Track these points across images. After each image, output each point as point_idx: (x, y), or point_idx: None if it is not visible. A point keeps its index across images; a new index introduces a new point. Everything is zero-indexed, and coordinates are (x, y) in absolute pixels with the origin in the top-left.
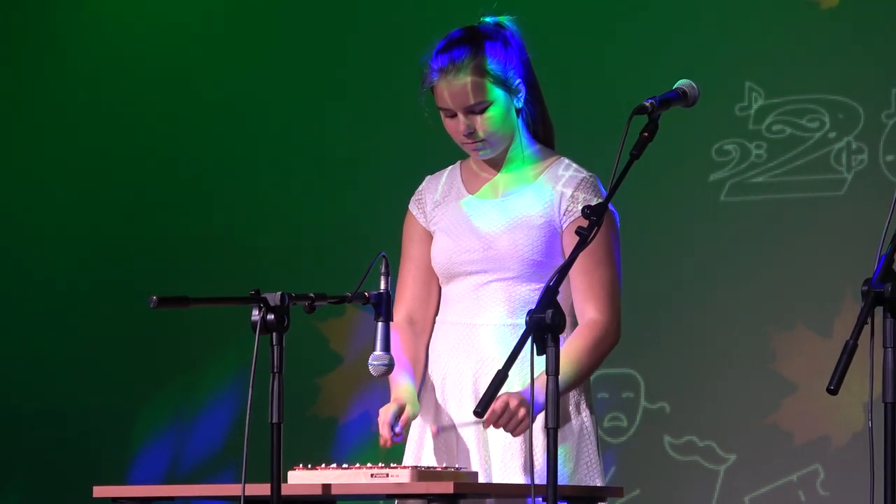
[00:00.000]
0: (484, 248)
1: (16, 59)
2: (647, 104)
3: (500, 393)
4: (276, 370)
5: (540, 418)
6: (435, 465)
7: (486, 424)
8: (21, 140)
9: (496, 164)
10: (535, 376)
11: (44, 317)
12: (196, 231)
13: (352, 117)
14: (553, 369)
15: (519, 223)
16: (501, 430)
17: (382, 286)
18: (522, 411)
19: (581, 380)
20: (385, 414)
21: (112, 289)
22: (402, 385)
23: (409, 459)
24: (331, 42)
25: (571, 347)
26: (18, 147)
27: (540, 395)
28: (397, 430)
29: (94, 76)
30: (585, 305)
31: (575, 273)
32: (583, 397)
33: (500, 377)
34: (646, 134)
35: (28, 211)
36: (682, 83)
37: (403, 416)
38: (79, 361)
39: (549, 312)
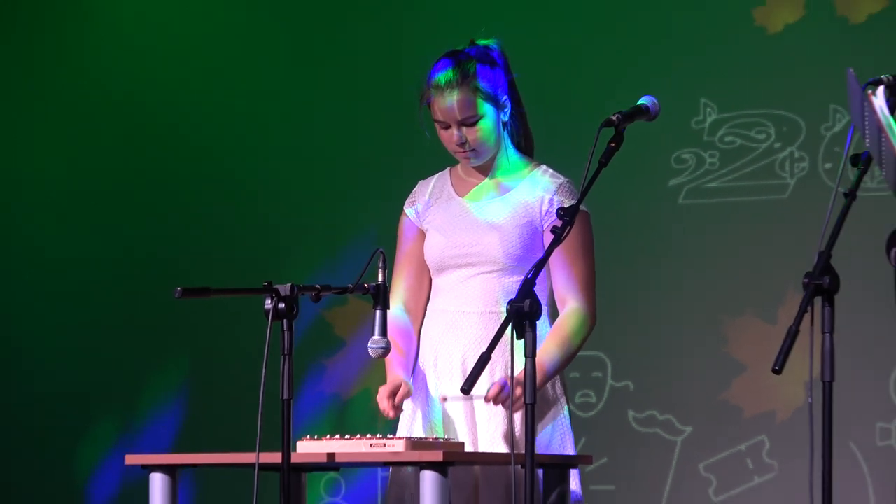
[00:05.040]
0: (473, 244)
1: (25, 52)
2: (614, 118)
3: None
4: (286, 352)
5: (519, 394)
6: (426, 436)
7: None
8: (26, 131)
9: (484, 171)
10: (525, 364)
11: (34, 307)
12: (203, 231)
13: (353, 124)
14: (531, 352)
15: (521, 212)
16: (490, 405)
17: (380, 278)
18: (496, 388)
19: (568, 361)
20: (384, 391)
21: (122, 279)
22: (396, 368)
23: (402, 431)
24: (337, 45)
25: (558, 334)
26: (23, 138)
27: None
28: (396, 402)
29: (106, 70)
30: (566, 295)
31: (556, 267)
32: (558, 377)
33: (484, 358)
34: (613, 144)
35: (28, 203)
36: (644, 99)
37: (401, 393)
38: (61, 351)
39: (528, 301)
